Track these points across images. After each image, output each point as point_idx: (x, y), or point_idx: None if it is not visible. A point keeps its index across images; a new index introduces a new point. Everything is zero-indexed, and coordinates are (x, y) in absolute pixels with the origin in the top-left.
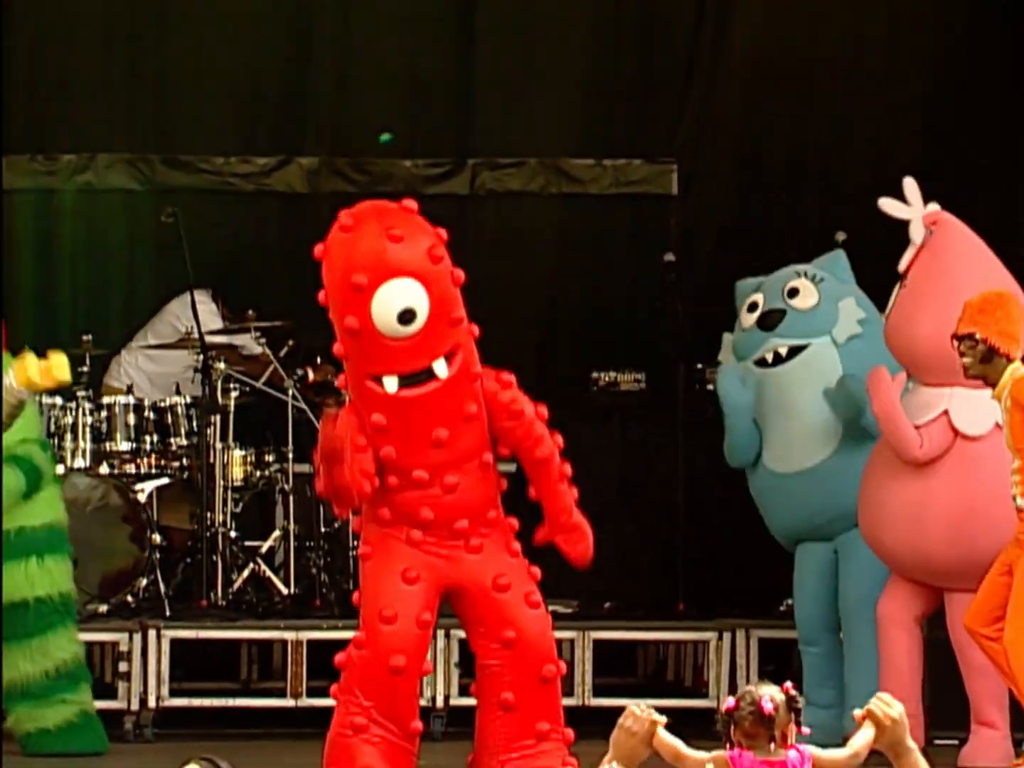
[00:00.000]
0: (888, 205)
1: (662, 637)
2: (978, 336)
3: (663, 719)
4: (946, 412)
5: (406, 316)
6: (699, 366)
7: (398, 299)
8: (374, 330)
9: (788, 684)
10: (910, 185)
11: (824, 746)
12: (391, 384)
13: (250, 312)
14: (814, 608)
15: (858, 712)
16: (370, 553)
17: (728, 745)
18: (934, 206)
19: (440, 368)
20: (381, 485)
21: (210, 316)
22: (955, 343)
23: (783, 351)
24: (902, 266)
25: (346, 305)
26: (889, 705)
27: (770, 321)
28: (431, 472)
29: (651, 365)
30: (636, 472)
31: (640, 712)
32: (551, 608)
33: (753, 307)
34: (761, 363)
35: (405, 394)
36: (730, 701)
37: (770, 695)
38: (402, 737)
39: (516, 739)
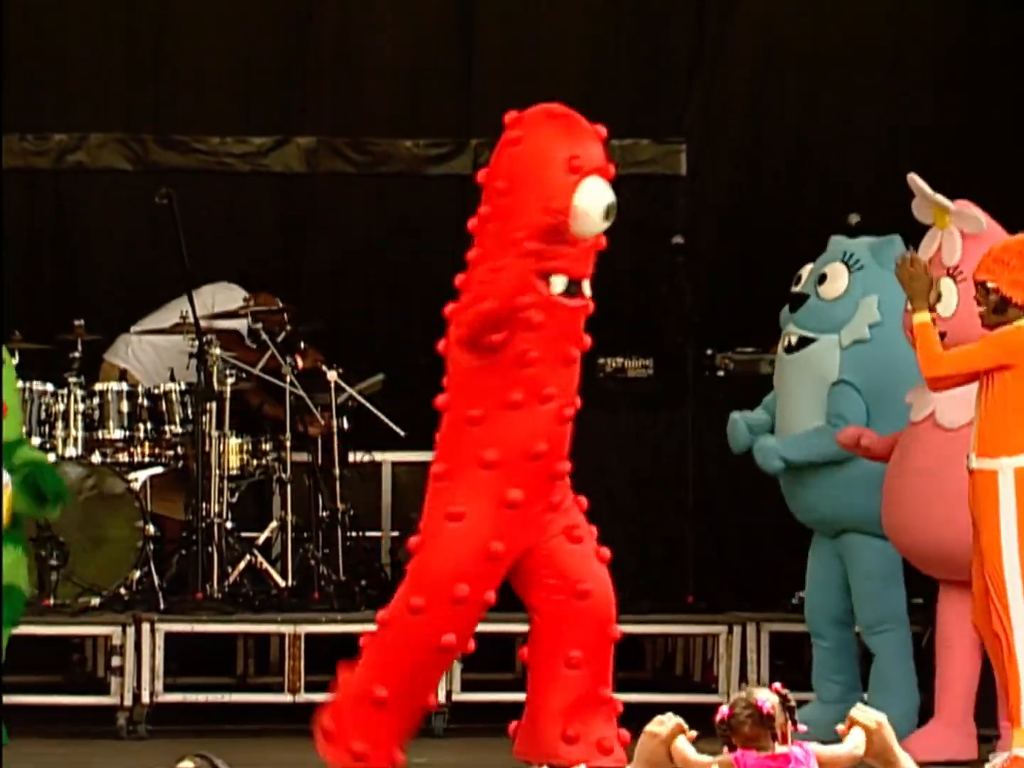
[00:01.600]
0: (916, 184)
1: (670, 630)
2: (990, 285)
3: (691, 732)
4: None
5: (610, 212)
6: (709, 351)
7: (607, 193)
8: (567, 220)
9: (777, 684)
10: (913, 180)
11: (824, 743)
12: (559, 283)
13: (247, 298)
14: (819, 600)
15: (841, 727)
16: (462, 514)
17: (730, 751)
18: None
19: (586, 286)
20: (501, 404)
21: (241, 303)
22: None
23: (794, 340)
24: (953, 260)
25: (552, 186)
26: (866, 712)
27: (794, 304)
28: (559, 394)
29: (659, 350)
30: (644, 461)
31: (667, 720)
32: None
33: (797, 280)
34: (784, 344)
35: (564, 301)
36: (724, 709)
37: (765, 695)
38: (417, 712)
39: (580, 701)
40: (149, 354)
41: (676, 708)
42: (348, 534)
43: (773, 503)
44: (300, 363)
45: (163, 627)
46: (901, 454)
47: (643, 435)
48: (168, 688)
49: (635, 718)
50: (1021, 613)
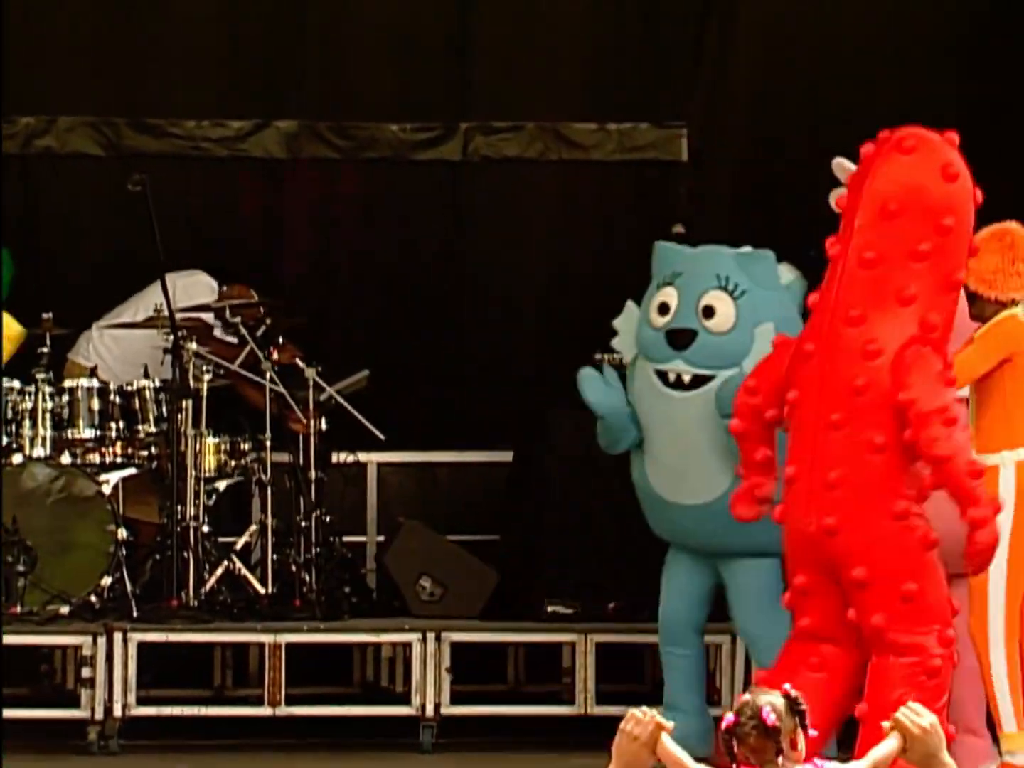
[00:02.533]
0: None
1: None
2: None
3: (669, 724)
4: None
5: None
6: None
7: None
8: None
9: (787, 686)
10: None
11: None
12: None
13: (223, 288)
14: (680, 605)
15: (887, 724)
16: (937, 541)
17: (735, 764)
18: None
19: None
20: None
21: (208, 292)
22: None
23: (687, 378)
24: None
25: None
26: (919, 714)
27: (680, 341)
28: None
29: None
30: None
31: (643, 716)
32: (551, 608)
33: (664, 309)
34: (661, 376)
35: None
36: (729, 717)
37: (770, 703)
38: None
39: None
40: (113, 351)
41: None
42: (331, 538)
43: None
44: (276, 358)
45: (136, 636)
46: None
47: None
48: (141, 701)
49: None
50: (998, 610)
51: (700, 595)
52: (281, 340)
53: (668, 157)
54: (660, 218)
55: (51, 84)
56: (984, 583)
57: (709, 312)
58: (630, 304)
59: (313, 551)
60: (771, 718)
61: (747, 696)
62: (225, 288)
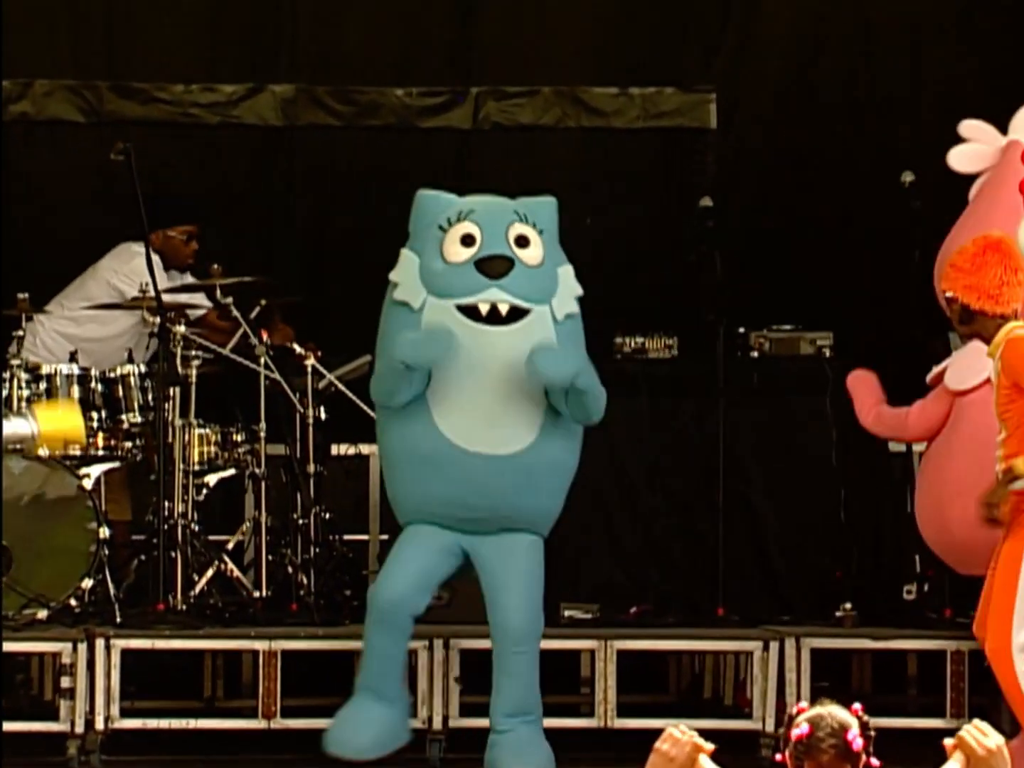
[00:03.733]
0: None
1: (698, 647)
2: (949, 295)
3: (709, 746)
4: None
5: None
6: (741, 330)
7: None
8: None
9: (857, 706)
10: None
11: None
12: None
13: (215, 266)
14: (411, 588)
15: (949, 741)
16: None
17: None
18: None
19: None
20: None
21: (155, 270)
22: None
23: (504, 308)
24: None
25: None
26: (985, 734)
27: (494, 269)
28: None
29: (685, 329)
30: (667, 453)
31: (681, 735)
32: (568, 613)
33: (469, 241)
34: (469, 311)
35: None
36: (803, 727)
37: (852, 724)
38: None
39: None
40: (61, 344)
41: (705, 735)
42: (330, 537)
43: (814, 500)
44: (266, 338)
45: (120, 643)
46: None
47: (666, 424)
48: (125, 713)
49: None
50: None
51: (430, 582)
52: (277, 320)
53: (695, 124)
54: (687, 190)
55: (27, 45)
56: (1009, 599)
57: (523, 242)
58: (405, 251)
59: (311, 551)
60: (858, 743)
61: (821, 710)
62: (161, 235)
